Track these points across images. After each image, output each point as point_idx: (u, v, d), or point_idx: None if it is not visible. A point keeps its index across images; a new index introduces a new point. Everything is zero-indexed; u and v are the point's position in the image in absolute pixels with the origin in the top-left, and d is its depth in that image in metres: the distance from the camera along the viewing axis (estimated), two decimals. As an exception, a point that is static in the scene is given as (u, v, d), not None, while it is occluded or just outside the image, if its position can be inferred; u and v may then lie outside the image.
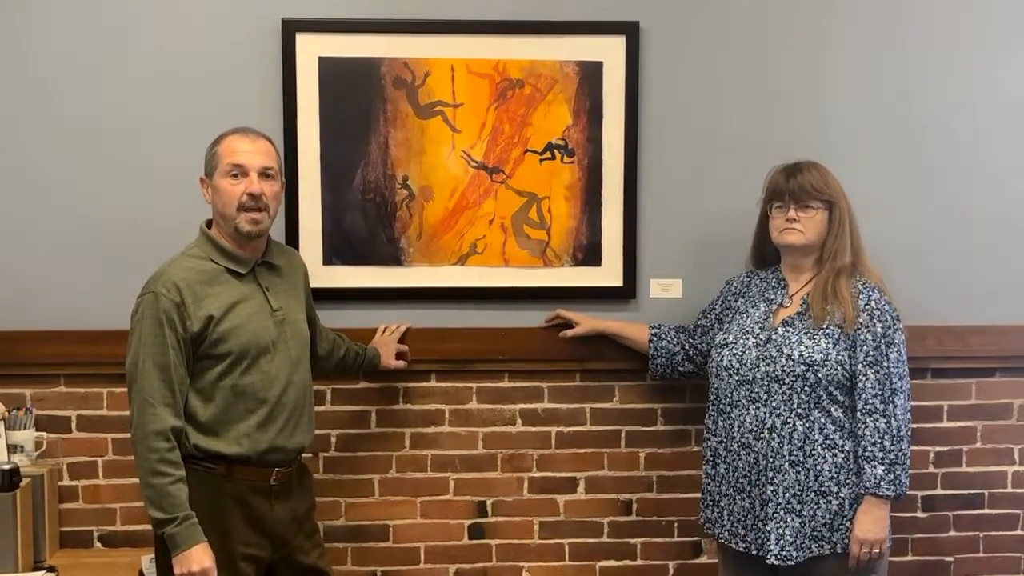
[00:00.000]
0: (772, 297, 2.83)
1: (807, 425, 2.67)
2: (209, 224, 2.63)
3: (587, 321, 3.13)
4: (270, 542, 2.61)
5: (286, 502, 2.64)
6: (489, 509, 3.24)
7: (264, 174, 2.57)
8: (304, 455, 2.75)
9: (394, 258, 3.13)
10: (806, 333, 2.70)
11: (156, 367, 2.45)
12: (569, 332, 3.13)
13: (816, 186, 2.73)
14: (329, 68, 3.06)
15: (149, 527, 2.87)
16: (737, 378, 2.75)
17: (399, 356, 3.11)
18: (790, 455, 2.67)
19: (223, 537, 2.52)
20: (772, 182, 2.81)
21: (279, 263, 2.69)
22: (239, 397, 2.53)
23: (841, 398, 2.68)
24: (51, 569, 2.94)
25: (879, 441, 2.63)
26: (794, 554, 2.67)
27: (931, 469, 3.29)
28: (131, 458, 3.01)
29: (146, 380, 2.45)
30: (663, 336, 3.07)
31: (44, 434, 3.07)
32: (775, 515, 2.68)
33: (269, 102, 3.05)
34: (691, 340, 3.04)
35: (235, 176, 2.55)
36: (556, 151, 3.13)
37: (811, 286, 2.77)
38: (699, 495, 2.93)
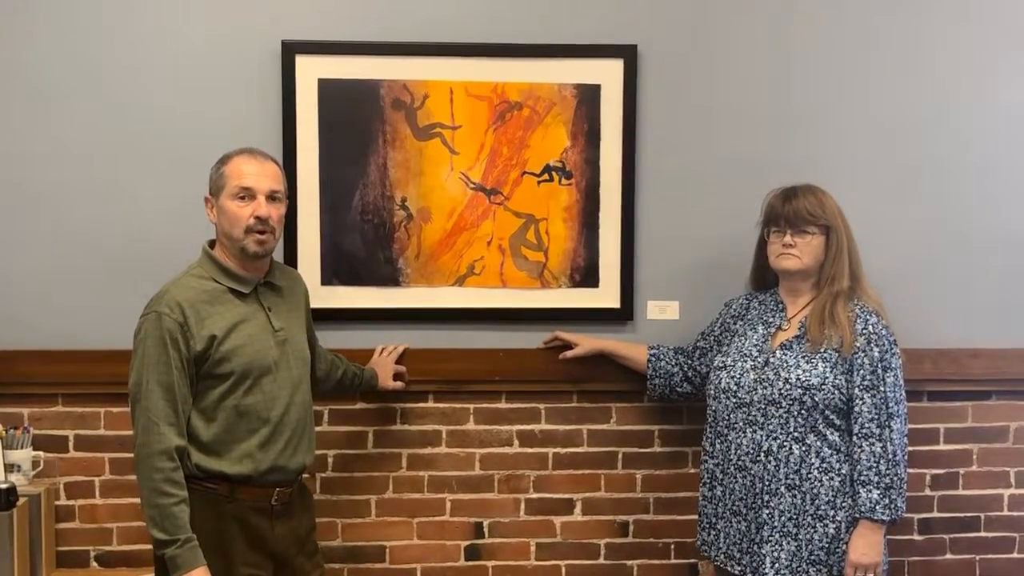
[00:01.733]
0: (770, 320, 2.84)
1: (803, 449, 2.67)
2: (212, 244, 2.64)
3: (586, 341, 3.14)
4: (271, 562, 2.60)
5: (287, 522, 2.64)
6: (486, 530, 3.24)
7: (271, 197, 2.58)
8: (303, 475, 2.75)
9: (392, 279, 3.14)
10: (803, 357, 2.71)
11: (160, 386, 2.45)
12: (569, 353, 3.14)
13: (812, 211, 2.73)
14: (329, 90, 3.07)
15: (146, 547, 2.89)
16: (734, 401, 2.76)
17: (397, 377, 3.11)
18: (786, 478, 2.67)
19: (224, 558, 2.51)
20: (769, 206, 2.82)
21: (282, 284, 2.70)
22: (241, 417, 2.53)
23: (838, 422, 2.69)
24: (47, 589, 2.95)
25: (875, 465, 2.63)
26: (790, 578, 2.68)
27: (927, 492, 3.29)
28: (128, 478, 3.04)
29: (150, 400, 2.45)
30: (662, 357, 3.07)
31: (41, 453, 3.07)
32: (770, 538, 2.68)
33: (269, 123, 3.06)
34: (690, 361, 3.05)
35: (243, 199, 2.55)
36: (554, 173, 3.15)
37: (809, 309, 2.78)
38: (696, 517, 2.93)
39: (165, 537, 2.42)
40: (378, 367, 3.08)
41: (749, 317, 2.90)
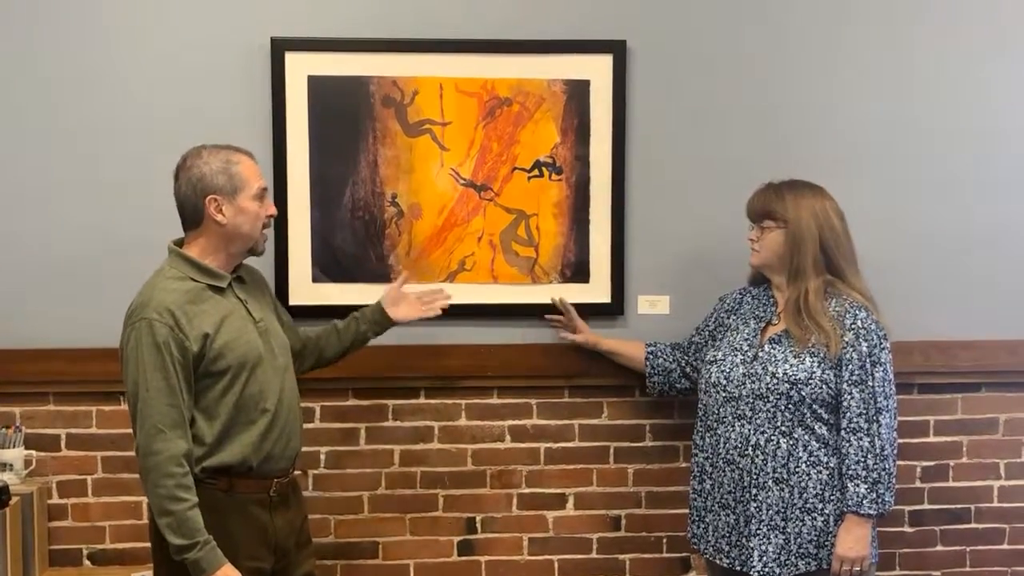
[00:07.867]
0: (761, 314, 2.84)
1: (791, 443, 2.68)
2: (179, 243, 2.62)
3: (588, 332, 3.13)
4: (272, 554, 2.62)
5: (284, 513, 2.65)
6: (479, 526, 3.24)
7: None
8: (293, 472, 2.75)
9: (383, 276, 3.13)
10: (792, 351, 2.71)
11: (161, 393, 2.43)
12: (570, 336, 3.14)
13: (766, 206, 2.76)
14: (318, 87, 3.07)
15: (138, 545, 2.91)
16: (724, 395, 2.76)
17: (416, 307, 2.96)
18: (774, 472, 2.68)
19: (231, 554, 2.51)
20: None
21: (246, 277, 2.71)
22: (241, 410, 2.53)
23: (826, 416, 2.69)
24: (40, 587, 2.96)
25: (863, 460, 2.64)
26: (777, 570, 2.68)
27: (918, 484, 3.31)
28: (120, 476, 3.06)
29: (153, 407, 2.42)
30: (659, 354, 3.08)
31: (33, 452, 3.07)
32: (758, 532, 2.69)
33: (259, 120, 3.06)
34: (686, 357, 3.05)
35: (261, 200, 2.59)
36: (544, 169, 3.15)
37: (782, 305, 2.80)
38: (687, 511, 2.94)
39: (185, 542, 2.41)
40: (383, 302, 2.93)
41: (742, 312, 2.91)
